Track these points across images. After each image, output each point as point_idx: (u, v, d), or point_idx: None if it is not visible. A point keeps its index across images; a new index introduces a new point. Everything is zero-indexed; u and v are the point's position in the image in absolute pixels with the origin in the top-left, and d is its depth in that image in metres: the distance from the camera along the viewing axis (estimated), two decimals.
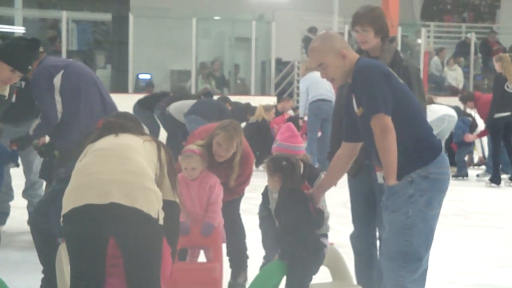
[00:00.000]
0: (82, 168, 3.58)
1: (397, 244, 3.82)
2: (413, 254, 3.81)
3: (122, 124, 3.80)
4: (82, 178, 3.53)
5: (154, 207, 3.52)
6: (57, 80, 6.11)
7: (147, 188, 3.52)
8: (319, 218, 4.29)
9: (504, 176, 11.60)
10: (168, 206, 3.70)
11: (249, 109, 13.64)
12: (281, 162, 4.40)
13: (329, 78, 3.95)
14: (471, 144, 12.89)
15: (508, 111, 11.11)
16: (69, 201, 3.49)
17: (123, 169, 3.53)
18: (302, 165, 4.53)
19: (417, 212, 3.78)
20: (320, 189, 4.30)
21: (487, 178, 11.84)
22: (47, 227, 4.50)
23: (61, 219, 3.51)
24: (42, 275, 4.59)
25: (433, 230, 3.89)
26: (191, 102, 11.84)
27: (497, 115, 11.07)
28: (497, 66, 11.12)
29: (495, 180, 11.36)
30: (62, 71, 6.13)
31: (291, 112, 14.55)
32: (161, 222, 3.57)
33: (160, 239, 3.60)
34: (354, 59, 3.93)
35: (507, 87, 10.95)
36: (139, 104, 13.04)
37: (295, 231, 4.22)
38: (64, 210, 3.49)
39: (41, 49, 5.90)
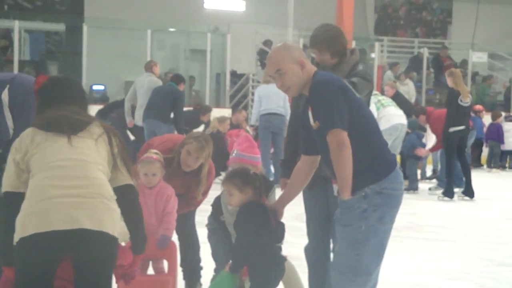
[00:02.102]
0: (40, 190, 3.40)
1: (348, 258, 3.84)
2: (363, 268, 3.84)
3: (72, 122, 3.60)
4: (42, 201, 3.36)
5: (117, 227, 3.47)
6: (5, 95, 6.03)
7: (111, 209, 3.45)
8: (279, 230, 4.28)
9: (456, 190, 11.74)
10: (126, 191, 3.62)
11: (201, 109, 13.67)
12: (249, 173, 4.37)
13: (285, 87, 3.93)
14: (422, 158, 13.04)
15: (463, 125, 11.27)
16: (30, 225, 3.32)
17: (86, 191, 3.41)
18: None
19: (369, 227, 3.80)
20: (282, 202, 4.26)
21: (439, 191, 11.97)
22: None
23: (16, 241, 3.35)
24: None
25: (384, 246, 3.92)
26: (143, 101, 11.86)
27: (452, 129, 11.19)
28: (449, 81, 11.27)
29: (448, 193, 11.48)
30: (8, 86, 6.06)
31: (244, 128, 14.58)
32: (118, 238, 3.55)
33: (116, 256, 3.55)
34: (311, 70, 3.93)
35: (461, 101, 11.11)
36: (99, 114, 12.96)
37: (255, 244, 4.19)
38: (23, 234, 3.32)
39: None
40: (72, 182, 3.43)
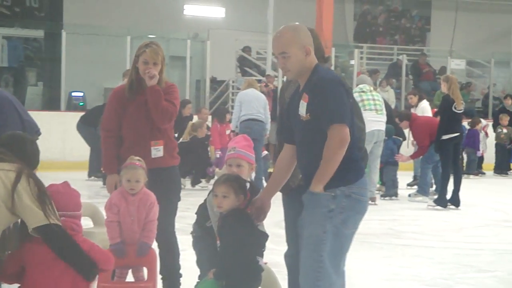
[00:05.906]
0: None
1: (311, 259, 3.90)
2: (324, 270, 3.88)
3: None
4: None
5: None
6: None
7: None
8: (262, 240, 4.28)
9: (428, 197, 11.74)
10: (44, 231, 3.67)
11: (180, 104, 13.62)
12: (244, 181, 4.37)
13: (285, 69, 3.95)
14: (397, 164, 12.94)
15: (457, 132, 11.07)
16: None
17: None
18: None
19: (332, 228, 3.87)
20: (268, 194, 4.27)
21: (418, 198, 11.97)
22: None
23: None
24: None
25: (344, 249, 3.97)
26: None
27: (446, 136, 10.97)
28: (444, 87, 11.12)
29: (441, 202, 11.20)
30: None
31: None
32: None
33: None
34: (313, 61, 3.96)
35: (455, 108, 10.97)
36: (82, 121, 12.88)
37: (239, 252, 4.19)
38: None
39: None
40: None
